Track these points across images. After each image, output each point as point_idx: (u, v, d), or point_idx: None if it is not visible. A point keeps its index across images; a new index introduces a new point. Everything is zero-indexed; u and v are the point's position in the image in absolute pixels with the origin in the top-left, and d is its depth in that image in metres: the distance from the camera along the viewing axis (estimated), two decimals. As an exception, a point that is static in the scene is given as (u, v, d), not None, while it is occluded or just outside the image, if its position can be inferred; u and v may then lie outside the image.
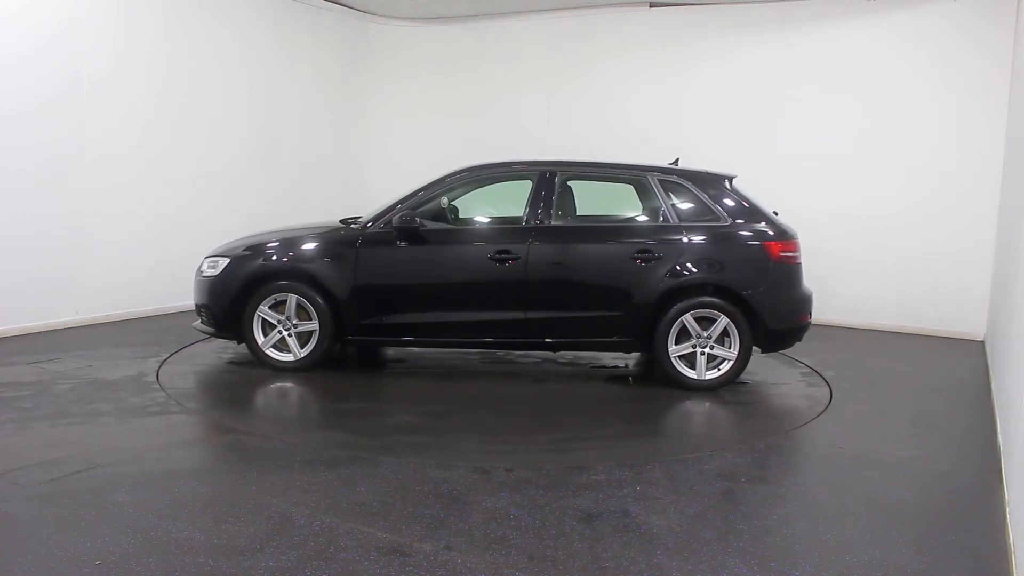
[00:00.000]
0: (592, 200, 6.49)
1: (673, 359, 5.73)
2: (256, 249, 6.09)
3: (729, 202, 5.86)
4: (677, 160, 6.33)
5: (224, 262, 6.06)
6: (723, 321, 5.64)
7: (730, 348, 5.69)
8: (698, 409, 5.45)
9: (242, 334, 5.98)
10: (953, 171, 8.03)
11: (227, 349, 6.73)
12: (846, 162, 8.43)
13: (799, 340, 5.98)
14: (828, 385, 6.05)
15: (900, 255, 8.25)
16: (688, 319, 5.68)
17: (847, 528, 3.55)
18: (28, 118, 6.77)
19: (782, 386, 6.09)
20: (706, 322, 5.69)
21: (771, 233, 5.76)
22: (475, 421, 5.10)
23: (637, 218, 6.21)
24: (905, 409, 5.62)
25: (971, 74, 7.90)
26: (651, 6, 9.23)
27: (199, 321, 6.25)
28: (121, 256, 7.63)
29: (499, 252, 5.80)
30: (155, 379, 5.67)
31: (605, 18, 9.48)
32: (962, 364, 7.05)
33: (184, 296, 8.18)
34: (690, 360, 5.74)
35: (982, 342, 7.81)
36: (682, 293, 5.71)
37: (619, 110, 9.44)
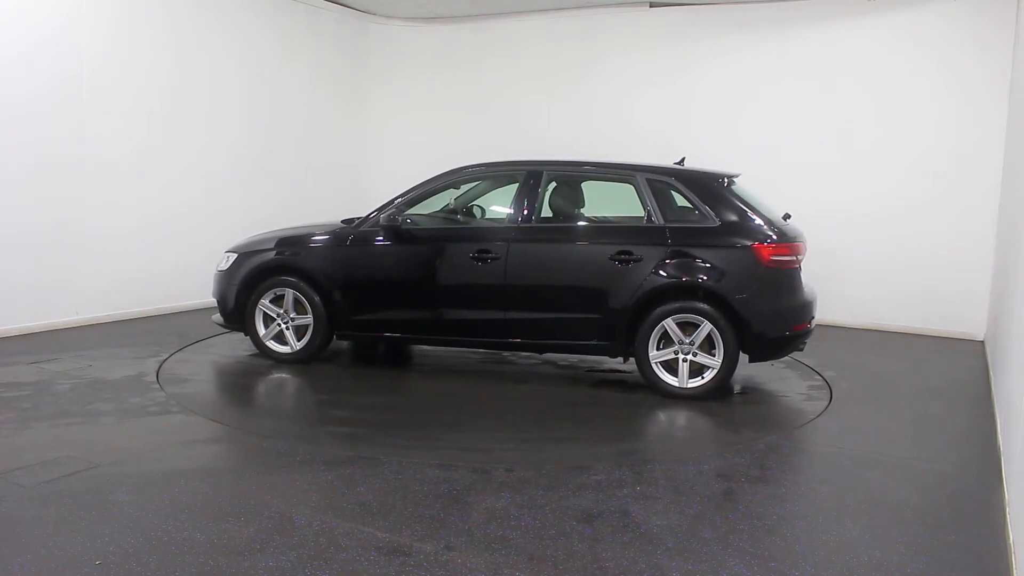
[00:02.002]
0: (586, 200, 6.45)
1: (654, 365, 5.53)
2: (259, 245, 6.36)
3: (720, 203, 5.61)
4: (683, 159, 6.24)
5: (232, 257, 6.37)
6: (706, 327, 5.40)
7: (714, 356, 5.44)
8: (698, 409, 5.42)
9: (245, 326, 6.23)
10: (953, 171, 8.03)
11: (227, 349, 6.74)
12: (846, 161, 8.43)
13: (797, 349, 5.77)
14: (828, 385, 6.05)
15: (900, 255, 8.24)
16: (670, 324, 5.47)
17: (847, 528, 3.56)
18: (28, 118, 6.77)
19: (782, 386, 6.08)
20: (690, 328, 5.46)
21: (761, 236, 5.48)
22: (465, 420, 5.11)
23: (621, 218, 6.13)
24: (905, 409, 5.63)
25: (971, 74, 7.90)
26: (651, 6, 9.23)
27: (218, 313, 6.47)
28: (121, 256, 7.63)
29: (480, 251, 5.80)
30: (155, 379, 5.67)
31: (605, 18, 9.47)
32: (962, 364, 7.05)
33: (184, 296, 8.23)
34: (675, 367, 5.52)
35: (982, 342, 7.81)
36: (663, 297, 5.50)
37: (619, 110, 9.44)
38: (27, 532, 3.28)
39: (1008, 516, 3.65)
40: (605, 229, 6.03)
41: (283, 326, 6.19)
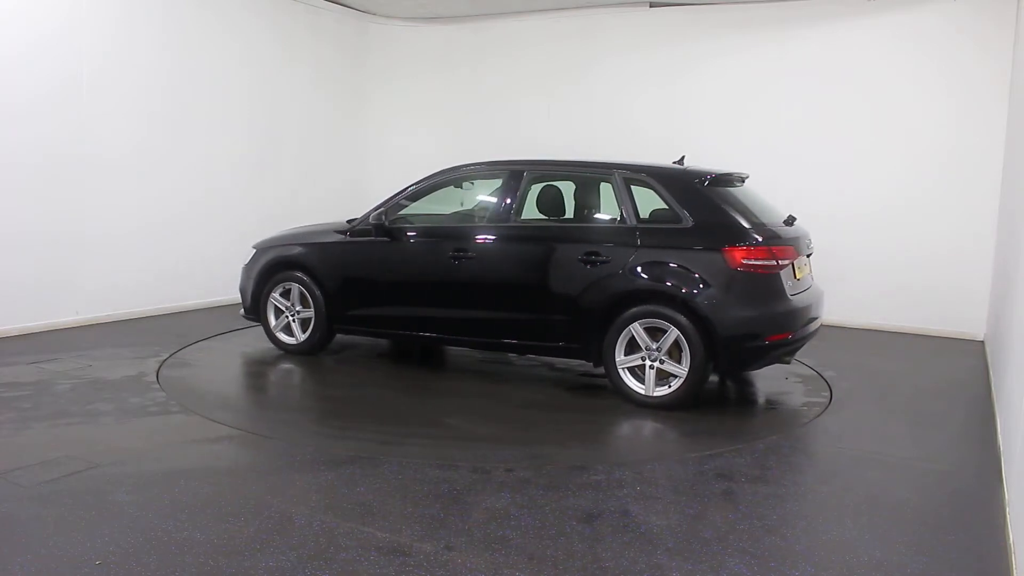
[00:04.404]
0: (570, 200, 6.40)
1: (620, 371, 5.33)
2: (273, 242, 6.75)
3: (697, 203, 5.35)
4: (683, 158, 6.20)
5: (252, 253, 6.78)
6: (673, 333, 5.14)
7: (682, 363, 5.17)
8: (697, 409, 5.41)
9: (259, 317, 6.65)
10: (953, 171, 8.02)
11: (227, 348, 6.75)
12: (846, 161, 8.43)
13: (780, 361, 5.46)
14: (828, 385, 6.04)
15: (900, 255, 8.24)
16: (636, 329, 5.25)
17: (847, 528, 3.56)
18: (28, 118, 6.77)
19: (781, 386, 6.08)
20: (660, 333, 5.21)
21: (734, 238, 5.17)
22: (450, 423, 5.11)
23: (593, 218, 6.07)
24: (905, 409, 5.62)
25: (971, 74, 7.89)
26: (651, 6, 9.23)
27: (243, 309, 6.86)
28: (121, 256, 7.63)
29: (457, 251, 5.84)
30: (155, 379, 5.67)
31: (605, 18, 9.47)
32: (962, 364, 7.04)
33: (184, 296, 8.24)
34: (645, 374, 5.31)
35: (982, 342, 7.81)
36: (631, 300, 5.30)
37: (619, 110, 9.44)
38: (27, 532, 3.28)
39: (1008, 516, 3.65)
40: (576, 229, 5.95)
41: (290, 318, 6.53)
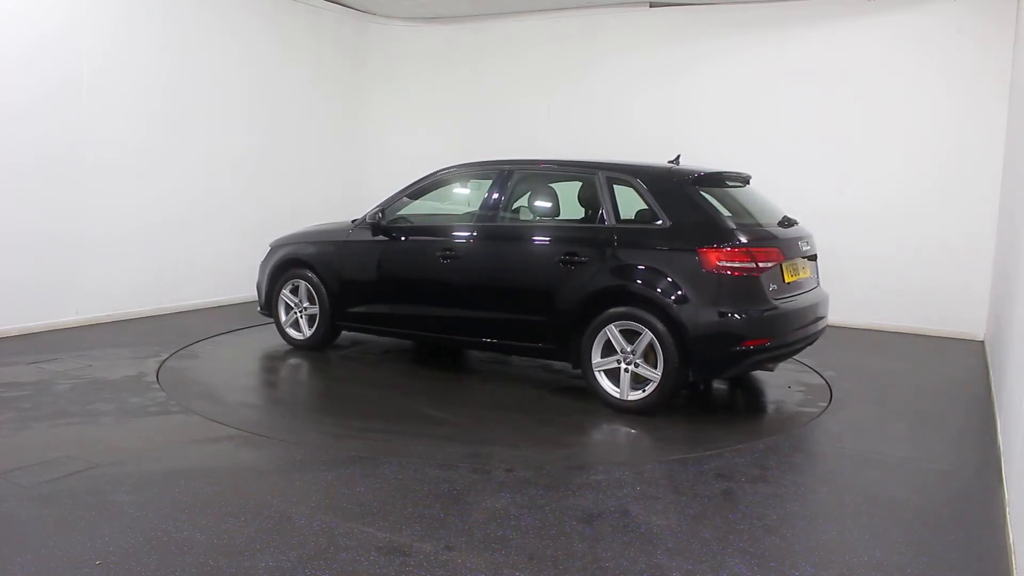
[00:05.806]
0: (568, 200, 6.41)
1: (596, 373, 5.23)
2: (285, 240, 6.98)
3: (677, 203, 5.21)
4: (678, 157, 6.16)
5: (267, 251, 7.01)
6: (647, 336, 5.02)
7: (656, 367, 5.03)
8: (697, 409, 5.43)
9: (271, 313, 6.89)
10: (954, 170, 8.02)
11: (227, 348, 6.75)
12: (846, 161, 8.43)
13: (762, 368, 5.34)
14: (828, 385, 6.05)
15: (900, 254, 8.24)
16: (612, 331, 5.15)
17: (847, 528, 3.56)
18: (28, 118, 6.77)
19: (781, 386, 6.08)
20: (636, 336, 5.10)
21: (710, 239, 5.00)
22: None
23: (574, 218, 6.02)
24: (905, 409, 5.62)
25: (971, 74, 7.90)
26: (651, 6, 9.23)
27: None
28: (121, 256, 7.63)
29: (444, 250, 5.89)
30: (155, 379, 5.67)
31: (605, 18, 9.47)
32: (962, 364, 7.04)
33: (184, 296, 8.23)
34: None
35: (982, 342, 7.81)
36: (605, 301, 5.21)
37: (619, 110, 9.44)
38: (27, 532, 3.28)
39: (1008, 516, 3.65)
40: (556, 229, 5.78)
41: (298, 314, 6.72)
